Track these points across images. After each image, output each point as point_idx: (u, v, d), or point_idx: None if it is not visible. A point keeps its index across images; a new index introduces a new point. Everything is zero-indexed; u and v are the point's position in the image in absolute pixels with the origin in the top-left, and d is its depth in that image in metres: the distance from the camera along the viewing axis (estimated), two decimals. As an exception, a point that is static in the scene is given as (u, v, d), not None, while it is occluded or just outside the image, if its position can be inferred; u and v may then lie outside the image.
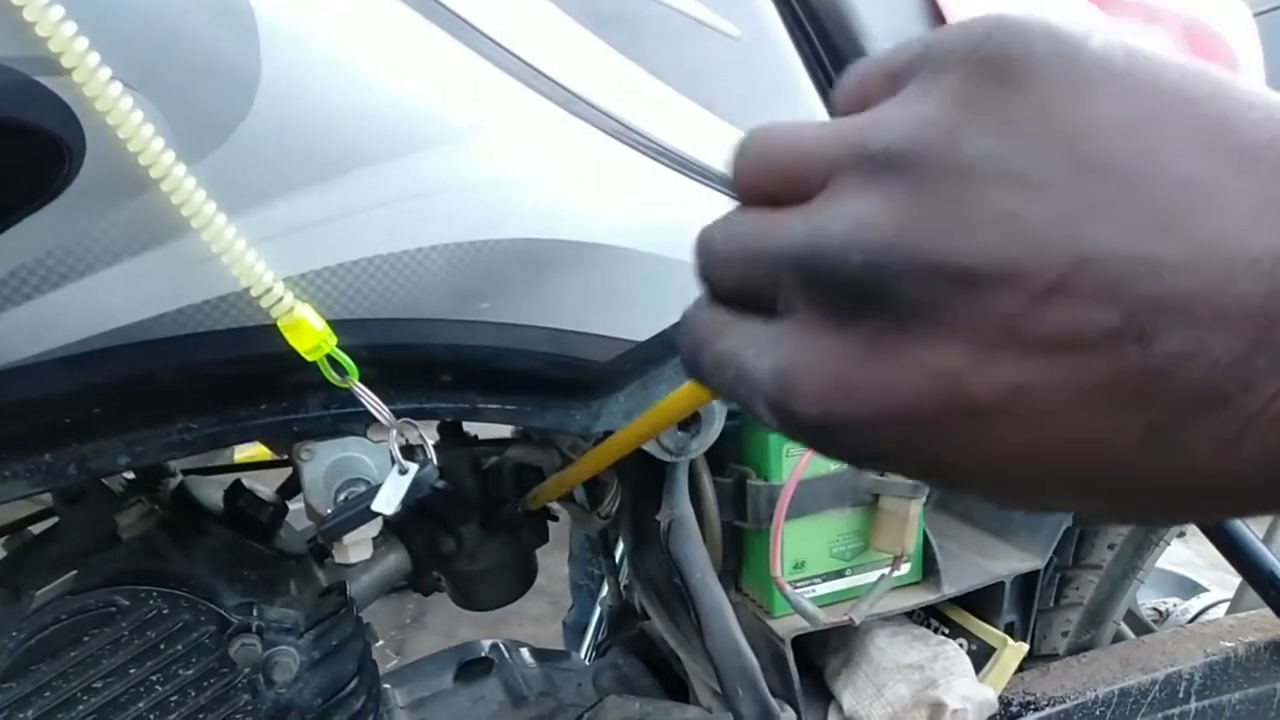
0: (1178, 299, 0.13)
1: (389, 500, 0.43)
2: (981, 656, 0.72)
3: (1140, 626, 1.13)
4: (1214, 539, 0.79)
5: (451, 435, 0.74)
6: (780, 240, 0.18)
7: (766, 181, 0.19)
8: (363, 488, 0.48)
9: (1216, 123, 0.14)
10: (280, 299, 0.39)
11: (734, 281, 0.20)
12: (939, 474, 0.17)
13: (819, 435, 0.18)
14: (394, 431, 0.44)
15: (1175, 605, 1.25)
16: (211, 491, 0.65)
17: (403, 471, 0.44)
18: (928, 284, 0.15)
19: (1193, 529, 0.88)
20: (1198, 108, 0.14)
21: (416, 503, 0.71)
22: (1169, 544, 0.90)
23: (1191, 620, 1.18)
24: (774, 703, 0.59)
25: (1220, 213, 0.14)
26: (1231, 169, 0.14)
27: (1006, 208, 0.15)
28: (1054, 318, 0.14)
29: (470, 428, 0.76)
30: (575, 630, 1.71)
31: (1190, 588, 1.40)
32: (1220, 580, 1.43)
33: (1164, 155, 0.14)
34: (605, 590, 1.03)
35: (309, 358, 0.40)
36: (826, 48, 0.58)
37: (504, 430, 0.81)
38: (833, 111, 0.20)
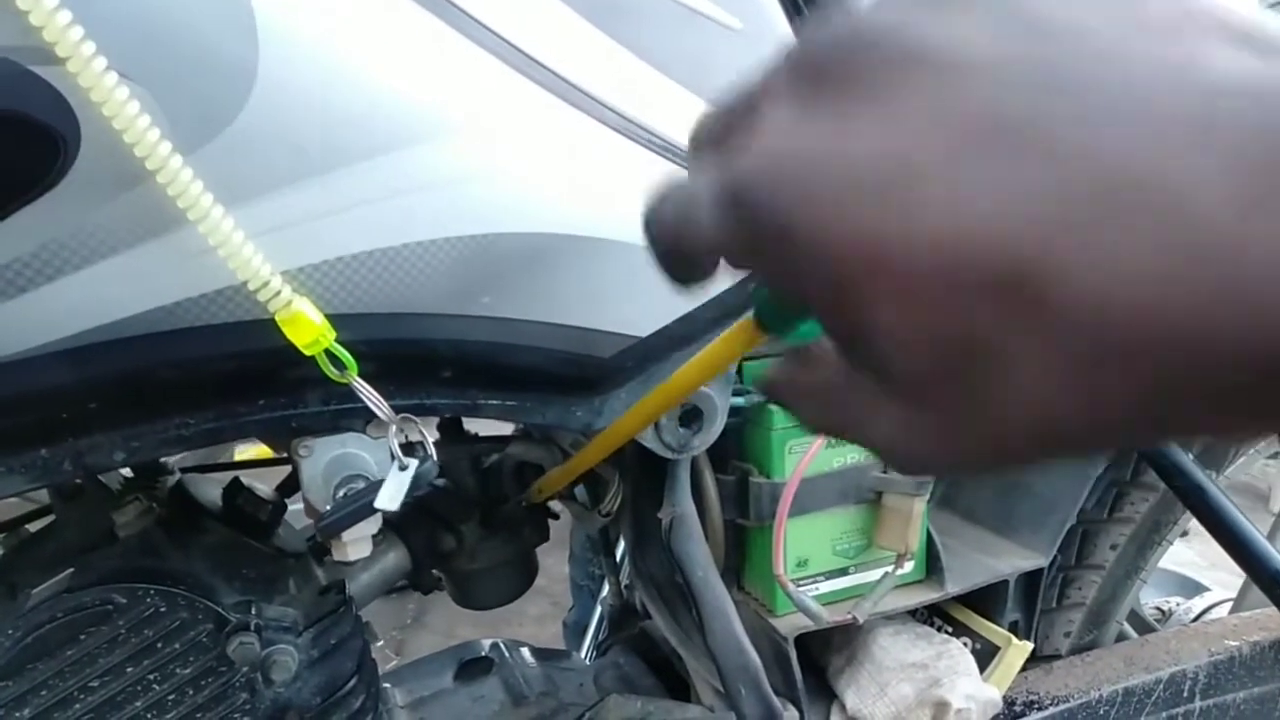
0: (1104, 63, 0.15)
1: (391, 497, 0.42)
2: (985, 655, 0.71)
3: (1143, 627, 1.13)
4: (1218, 535, 0.78)
5: (450, 433, 0.74)
6: (776, 63, 0.19)
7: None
8: (362, 484, 0.47)
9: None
10: (278, 293, 0.38)
11: (717, 122, 0.21)
12: (873, 249, 0.16)
13: (762, 207, 0.18)
14: (394, 427, 0.44)
15: (1178, 604, 1.24)
16: (210, 489, 0.64)
17: (403, 468, 0.44)
18: (897, 60, 0.17)
19: (1195, 528, 0.88)
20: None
21: (416, 501, 0.71)
22: (1172, 544, 0.89)
23: (1195, 619, 1.17)
24: (777, 702, 0.59)
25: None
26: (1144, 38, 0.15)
27: (980, 16, 0.16)
28: (1003, 101, 0.15)
29: (469, 425, 0.75)
30: (576, 630, 1.70)
31: (1192, 587, 1.40)
32: (1221, 580, 1.42)
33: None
34: (606, 589, 1.03)
35: (307, 352, 0.40)
36: (829, 41, 0.57)
37: (503, 428, 0.80)
38: None
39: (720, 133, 0.21)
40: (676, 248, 0.22)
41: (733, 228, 0.19)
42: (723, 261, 0.21)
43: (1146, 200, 0.14)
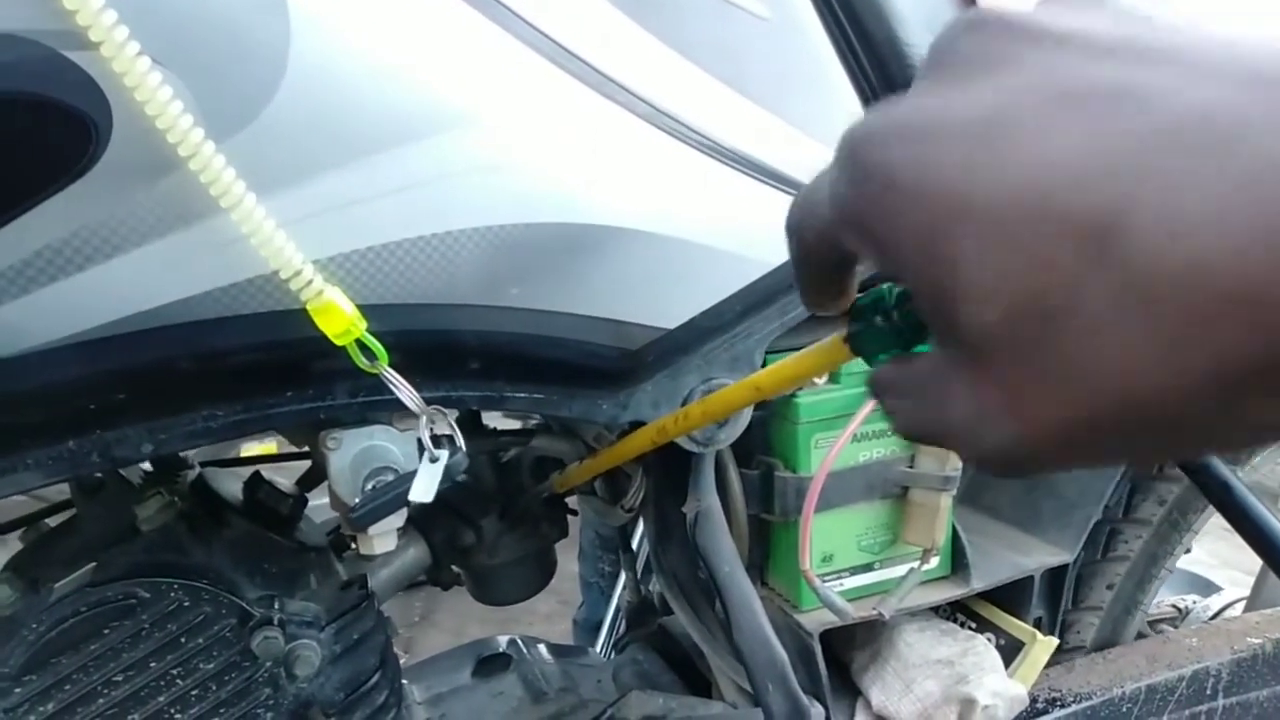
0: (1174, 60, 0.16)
1: (425, 489, 0.42)
2: (1010, 651, 0.71)
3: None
4: (1243, 530, 0.77)
5: (470, 427, 0.73)
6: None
7: None
8: (391, 476, 0.47)
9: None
10: (310, 282, 0.38)
11: None
12: (961, 193, 0.17)
13: (869, 157, 0.19)
14: (424, 418, 0.43)
15: (1195, 602, 1.23)
16: (230, 483, 0.64)
17: (434, 460, 0.43)
18: (1006, 38, 0.19)
19: (1201, 530, 0.87)
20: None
21: (436, 495, 0.70)
22: (1171, 572, 0.88)
23: (1213, 617, 1.16)
24: (804, 698, 0.58)
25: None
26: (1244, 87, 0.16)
27: (1078, 11, 0.18)
28: (1094, 68, 0.17)
29: (486, 419, 0.75)
30: (586, 628, 1.70)
31: (1204, 586, 1.39)
32: (1233, 579, 1.41)
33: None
34: (622, 585, 1.02)
35: (338, 342, 0.39)
36: (856, 30, 0.56)
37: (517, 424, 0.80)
38: None
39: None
40: (800, 233, 0.24)
41: (844, 187, 0.20)
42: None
43: (1229, 146, 0.14)
